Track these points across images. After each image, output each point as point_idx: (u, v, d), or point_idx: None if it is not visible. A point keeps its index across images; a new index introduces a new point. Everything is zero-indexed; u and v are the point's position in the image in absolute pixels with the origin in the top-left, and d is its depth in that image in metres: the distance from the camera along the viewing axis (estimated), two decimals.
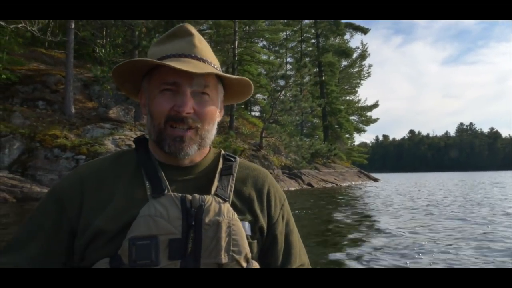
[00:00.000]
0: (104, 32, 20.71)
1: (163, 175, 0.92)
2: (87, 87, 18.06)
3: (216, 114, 0.97)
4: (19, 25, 12.36)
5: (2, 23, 12.21)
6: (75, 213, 0.89)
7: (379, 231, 6.38)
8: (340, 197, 14.72)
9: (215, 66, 0.97)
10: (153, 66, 0.93)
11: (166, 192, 0.88)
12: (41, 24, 12.89)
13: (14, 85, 15.81)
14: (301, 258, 1.05)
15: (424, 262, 4.23)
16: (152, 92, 0.93)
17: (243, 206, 0.95)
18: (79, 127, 15.31)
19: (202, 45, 0.97)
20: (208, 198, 0.89)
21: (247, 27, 25.47)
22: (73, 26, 15.78)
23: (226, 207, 0.90)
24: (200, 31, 26.03)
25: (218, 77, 0.97)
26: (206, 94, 0.92)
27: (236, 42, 23.97)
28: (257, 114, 34.16)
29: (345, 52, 35.98)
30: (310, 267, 1.08)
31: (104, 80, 16.37)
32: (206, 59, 0.95)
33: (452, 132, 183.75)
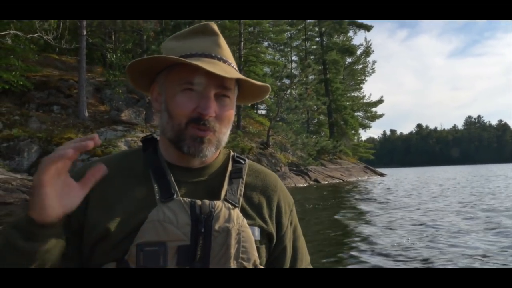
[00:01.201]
0: (113, 37, 21.35)
1: (172, 177, 0.90)
2: (99, 91, 18.70)
3: (233, 117, 0.96)
4: (35, 34, 12.97)
5: (19, 33, 12.82)
6: (82, 212, 0.86)
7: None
8: (343, 191, 15.15)
9: (235, 68, 0.95)
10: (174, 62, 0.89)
11: (175, 196, 0.86)
12: (55, 33, 13.48)
13: (29, 91, 16.47)
14: (305, 260, 1.06)
15: None
16: (172, 89, 0.89)
17: (252, 211, 0.94)
18: (93, 130, 15.93)
19: (225, 45, 0.95)
20: (218, 204, 0.87)
21: (252, 28, 25.95)
22: (84, 33, 16.43)
23: (236, 213, 0.88)
24: None
25: (236, 79, 0.94)
26: (228, 97, 0.91)
27: (242, 43, 24.51)
28: (263, 112, 34.62)
29: (349, 50, 36.66)
30: (310, 266, 1.09)
31: (115, 84, 16.98)
32: (230, 61, 0.93)
33: (460, 125, 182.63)
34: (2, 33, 12.36)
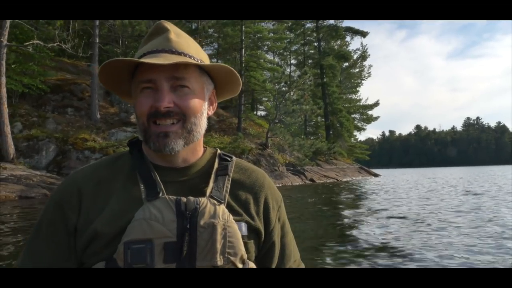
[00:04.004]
0: (120, 43, 22.61)
1: (158, 177, 0.91)
2: (108, 94, 19.95)
3: (201, 106, 0.94)
4: (55, 44, 14.26)
5: (41, 42, 14.10)
6: (76, 218, 0.89)
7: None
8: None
9: (196, 58, 0.94)
10: (135, 68, 0.93)
11: (161, 195, 0.87)
12: (72, 42, 14.79)
13: (46, 94, 17.73)
14: (294, 256, 1.07)
15: None
16: (135, 93, 0.93)
17: (239, 208, 0.95)
18: (105, 131, 17.21)
19: (180, 39, 0.95)
20: (203, 200, 0.88)
21: (253, 35, 27.13)
22: (97, 40, 17.75)
23: (221, 209, 0.89)
24: (209, 36, 27.78)
25: (203, 69, 0.95)
26: (186, 86, 0.91)
27: (243, 50, 25.73)
28: (263, 113, 35.72)
29: (344, 56, 38.25)
30: (301, 261, 1.10)
31: None
32: (183, 51, 0.92)
33: (459, 127, 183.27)
34: (26, 43, 13.62)
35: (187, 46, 0.95)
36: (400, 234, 5.49)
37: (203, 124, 0.96)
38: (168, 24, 0.96)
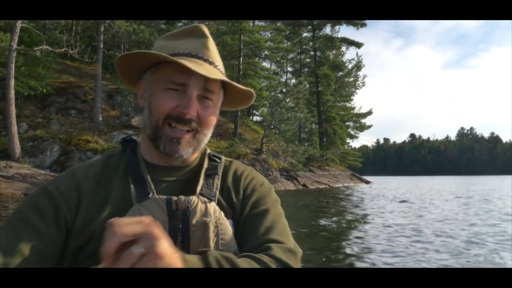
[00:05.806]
0: (122, 47, 23.31)
1: (149, 177, 0.91)
2: (110, 98, 20.68)
3: (215, 120, 0.96)
4: (63, 49, 14.98)
5: (49, 48, 14.81)
6: (72, 215, 0.87)
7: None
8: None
9: (222, 72, 0.97)
10: (162, 61, 0.90)
11: (151, 195, 0.87)
12: (79, 48, 15.52)
13: (50, 96, 18.39)
14: (285, 234, 0.93)
15: None
16: (156, 86, 0.91)
17: (227, 204, 0.95)
18: (106, 133, 17.85)
19: (214, 48, 0.96)
20: (194, 198, 0.88)
21: (251, 43, 27.95)
22: (101, 46, 18.47)
23: (212, 206, 0.89)
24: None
25: (222, 83, 0.96)
26: (210, 99, 0.92)
27: (241, 58, 26.60)
28: (259, 118, 36.45)
29: (338, 66, 39.34)
30: (294, 249, 0.91)
31: (127, 92, 18.93)
32: (214, 62, 0.94)
33: (453, 136, 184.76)
34: (36, 48, 14.32)
35: (217, 57, 0.97)
36: (368, 235, 6.17)
37: (209, 136, 0.98)
38: (207, 30, 0.97)
